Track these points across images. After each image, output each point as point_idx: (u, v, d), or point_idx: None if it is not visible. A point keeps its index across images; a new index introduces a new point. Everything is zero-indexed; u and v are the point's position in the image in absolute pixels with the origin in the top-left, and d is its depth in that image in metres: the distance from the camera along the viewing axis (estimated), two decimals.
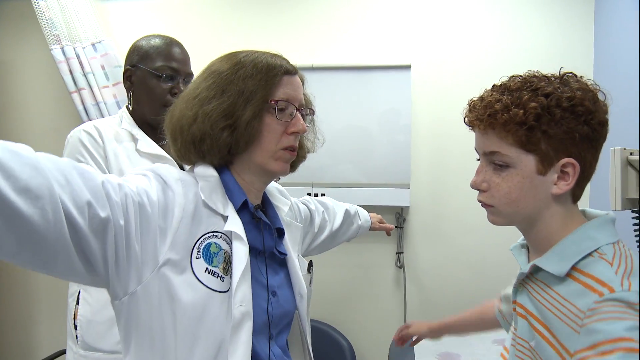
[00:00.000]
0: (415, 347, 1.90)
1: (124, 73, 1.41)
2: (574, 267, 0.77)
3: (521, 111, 0.76)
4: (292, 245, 0.99)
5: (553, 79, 0.80)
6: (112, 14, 2.44)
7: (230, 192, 0.87)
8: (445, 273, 2.31)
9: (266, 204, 0.98)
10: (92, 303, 1.32)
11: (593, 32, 2.20)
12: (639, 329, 0.67)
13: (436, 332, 1.29)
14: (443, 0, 2.29)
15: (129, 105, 1.42)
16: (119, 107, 2.29)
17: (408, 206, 2.27)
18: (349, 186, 2.26)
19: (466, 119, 0.85)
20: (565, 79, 0.79)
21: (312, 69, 2.25)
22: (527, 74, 0.82)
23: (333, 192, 2.24)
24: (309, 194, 2.25)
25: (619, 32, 1.97)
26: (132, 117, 1.40)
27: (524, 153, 0.78)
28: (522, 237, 0.93)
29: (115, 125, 1.37)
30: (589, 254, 0.77)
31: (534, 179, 0.79)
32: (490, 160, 0.82)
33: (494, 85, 0.83)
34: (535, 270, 0.83)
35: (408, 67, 2.22)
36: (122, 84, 2.38)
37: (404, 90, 2.23)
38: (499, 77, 0.84)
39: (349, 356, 2.24)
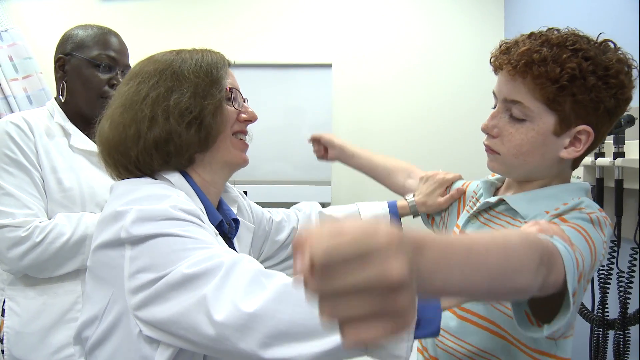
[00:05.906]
0: None
1: (57, 61, 1.30)
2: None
3: (558, 68, 0.72)
4: (240, 247, 0.95)
5: (593, 42, 0.76)
6: (20, 3, 2.31)
7: (200, 201, 0.83)
8: None
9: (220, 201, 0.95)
10: (20, 313, 1.23)
11: (504, 29, 2.32)
12: (597, 238, 0.68)
13: (345, 154, 1.27)
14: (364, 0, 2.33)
15: (61, 97, 1.30)
16: (30, 102, 2.18)
17: (329, 202, 2.31)
18: (270, 183, 2.28)
19: (494, 59, 0.80)
20: (604, 47, 0.76)
21: (233, 66, 2.23)
22: (568, 30, 0.78)
23: (255, 190, 2.26)
24: None
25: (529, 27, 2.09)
26: (62, 109, 1.30)
27: (546, 110, 0.75)
28: (496, 176, 0.94)
29: (44, 119, 1.27)
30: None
31: (547, 138, 0.77)
32: (508, 108, 0.79)
33: (532, 33, 0.78)
34: (498, 203, 0.85)
35: (329, 65, 2.25)
36: (33, 77, 2.26)
37: (325, 89, 2.26)
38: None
39: None
